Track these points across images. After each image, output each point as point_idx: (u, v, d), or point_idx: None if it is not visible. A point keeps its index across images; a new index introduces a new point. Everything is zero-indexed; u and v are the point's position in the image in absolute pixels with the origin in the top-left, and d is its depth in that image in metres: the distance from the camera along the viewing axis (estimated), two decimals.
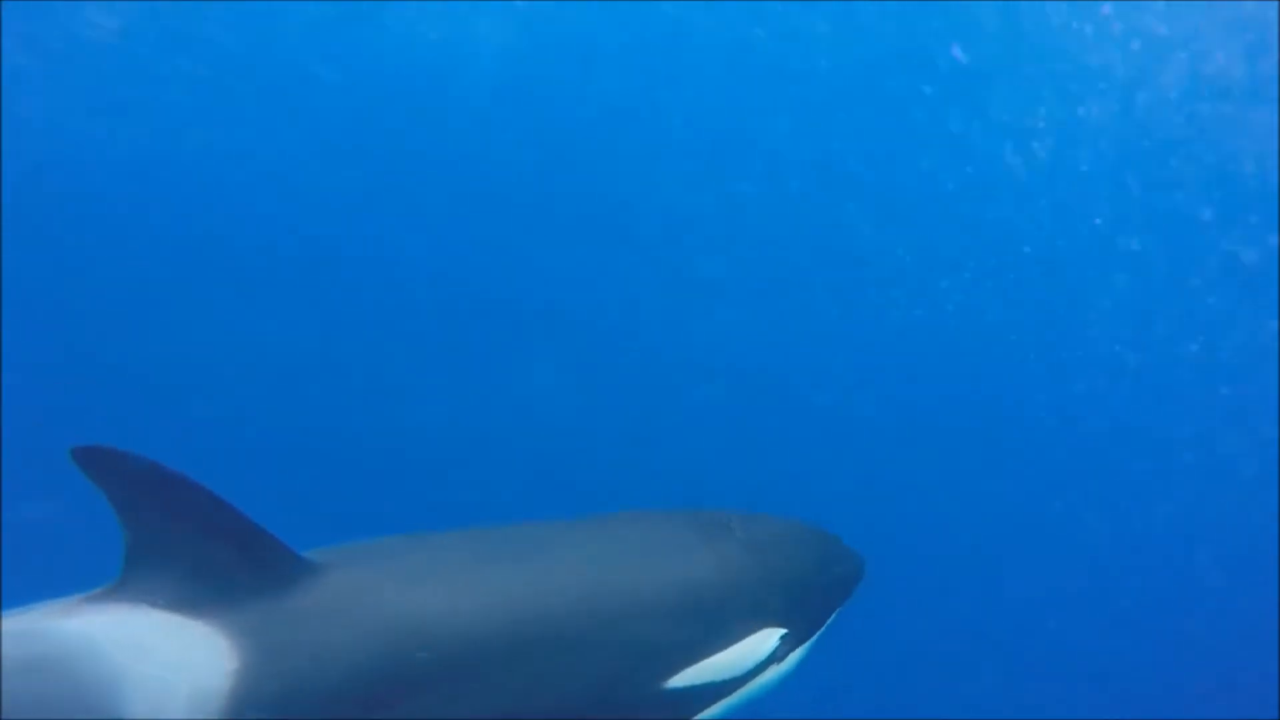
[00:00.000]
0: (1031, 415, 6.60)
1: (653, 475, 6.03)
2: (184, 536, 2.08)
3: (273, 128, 6.78)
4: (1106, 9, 6.52)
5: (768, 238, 7.12)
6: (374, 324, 6.38)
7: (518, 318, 6.55)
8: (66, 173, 6.52)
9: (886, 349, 6.94)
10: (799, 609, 2.35)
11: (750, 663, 2.24)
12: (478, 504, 5.32)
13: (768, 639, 2.25)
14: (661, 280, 6.85)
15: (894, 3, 6.66)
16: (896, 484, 6.32)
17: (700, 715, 2.25)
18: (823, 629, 2.42)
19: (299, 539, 2.16)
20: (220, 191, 6.64)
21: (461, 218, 6.80)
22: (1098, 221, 6.85)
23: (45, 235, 6.29)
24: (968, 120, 6.98)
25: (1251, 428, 6.16)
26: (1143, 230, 6.81)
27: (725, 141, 7.17)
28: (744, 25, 6.92)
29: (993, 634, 5.90)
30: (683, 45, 7.07)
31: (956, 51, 6.79)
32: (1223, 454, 6.29)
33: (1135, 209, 6.85)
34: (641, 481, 6.00)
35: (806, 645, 2.37)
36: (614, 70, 7.15)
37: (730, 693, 2.26)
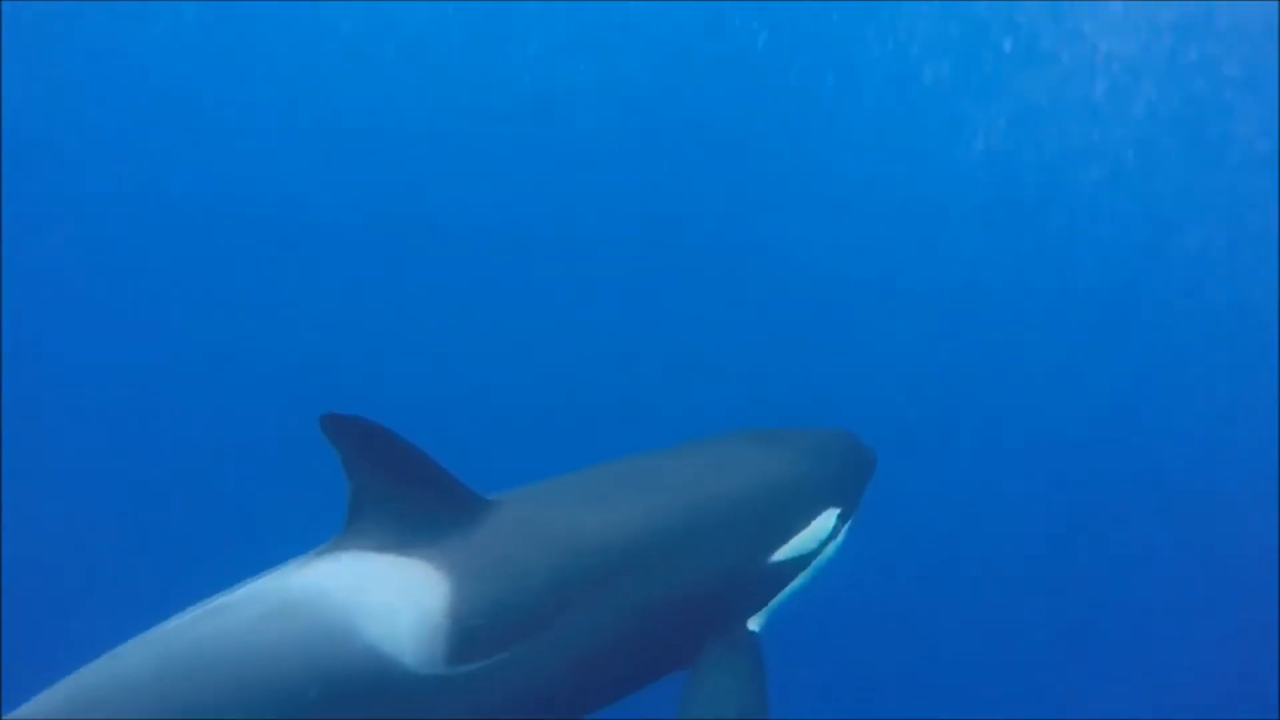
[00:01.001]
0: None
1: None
2: (395, 488, 2.52)
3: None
4: None
5: None
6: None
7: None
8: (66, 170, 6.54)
9: None
10: (844, 493, 3.10)
11: (821, 536, 2.99)
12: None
13: (829, 518, 2.99)
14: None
15: None
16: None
17: (790, 584, 2.96)
18: (858, 508, 3.16)
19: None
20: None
21: None
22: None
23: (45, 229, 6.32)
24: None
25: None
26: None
27: None
28: None
29: (989, 633, 5.90)
30: None
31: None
32: (1223, 445, 6.32)
33: None
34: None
35: (850, 522, 3.10)
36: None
37: (810, 563, 2.99)
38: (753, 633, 2.87)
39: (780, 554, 2.90)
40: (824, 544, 3.02)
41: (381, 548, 2.50)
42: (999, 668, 5.79)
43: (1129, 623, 6.03)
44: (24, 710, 2.41)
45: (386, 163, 6.81)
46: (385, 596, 2.41)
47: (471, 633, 2.42)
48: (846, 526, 3.12)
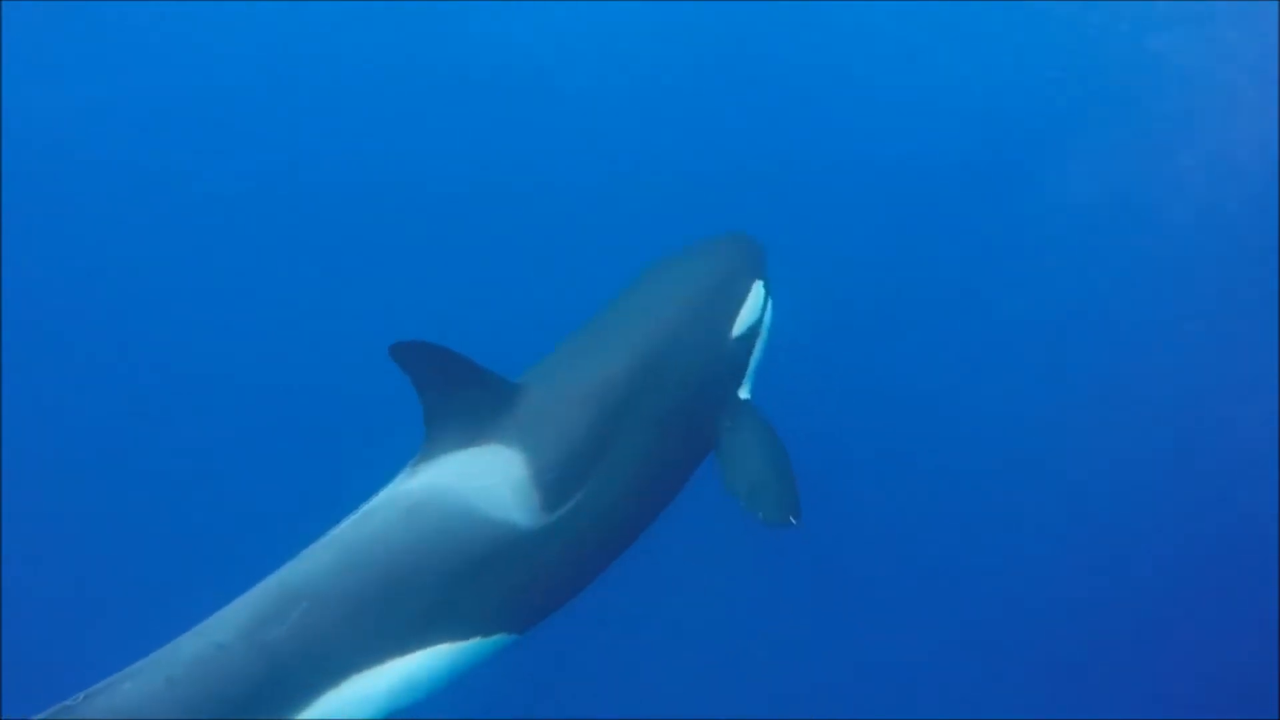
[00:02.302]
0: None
1: None
2: (456, 394, 3.10)
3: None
4: None
5: None
6: None
7: None
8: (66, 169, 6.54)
9: None
10: (758, 269, 3.77)
11: (759, 305, 3.65)
12: None
13: (758, 290, 3.66)
14: None
15: None
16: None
17: (755, 351, 3.64)
18: (771, 279, 3.82)
19: None
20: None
21: None
22: None
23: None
24: None
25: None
26: None
27: None
28: None
29: (989, 633, 5.90)
30: None
31: None
32: (1223, 436, 6.31)
33: None
34: None
35: (770, 290, 3.76)
36: None
37: (761, 328, 3.68)
38: (746, 399, 3.59)
39: (738, 329, 3.57)
40: (764, 310, 3.69)
41: (462, 444, 3.11)
42: (999, 668, 5.79)
43: (1129, 623, 6.03)
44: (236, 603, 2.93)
45: (384, 155, 6.81)
46: (483, 479, 3.02)
47: (552, 485, 3.06)
48: (770, 294, 3.78)
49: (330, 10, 7.28)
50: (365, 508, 3.10)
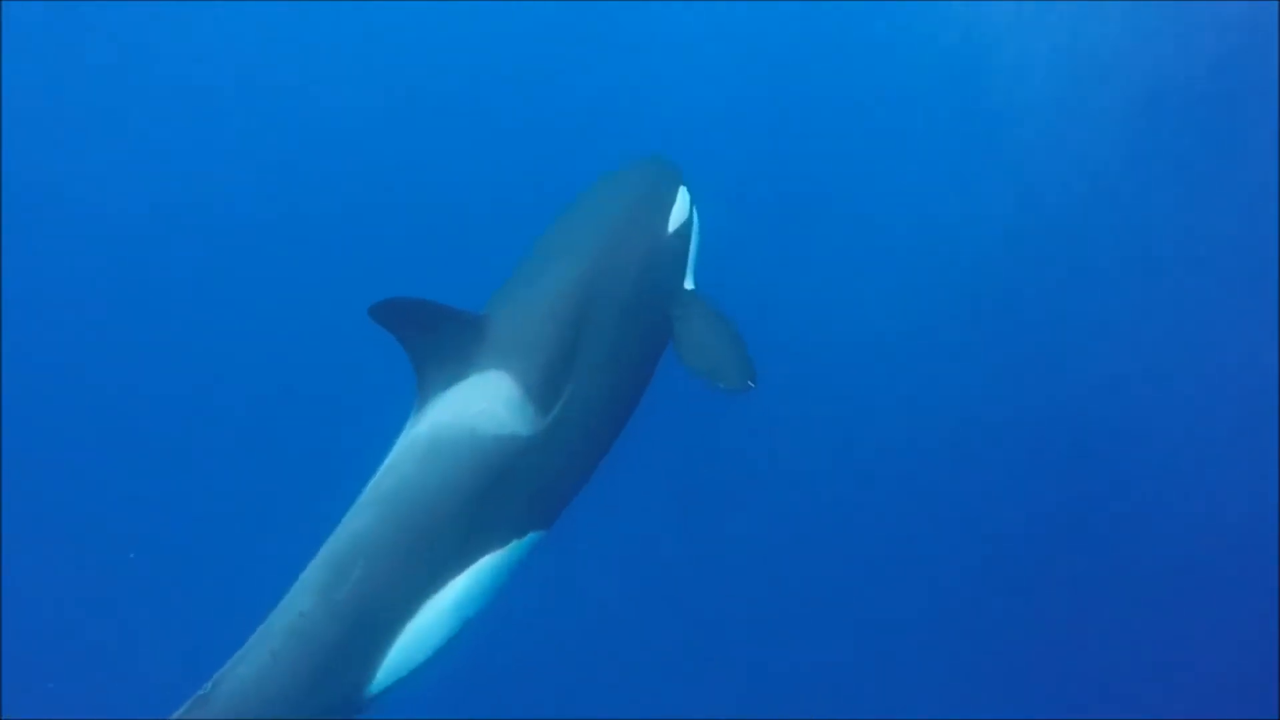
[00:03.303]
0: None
1: None
2: (437, 337, 3.38)
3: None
4: None
5: None
6: None
7: None
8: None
9: None
10: (678, 176, 4.09)
11: (687, 205, 3.97)
12: None
13: (683, 194, 3.98)
14: None
15: None
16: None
17: (691, 245, 3.98)
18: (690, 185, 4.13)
19: None
20: None
21: None
22: None
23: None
24: None
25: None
26: None
27: None
28: None
29: (988, 633, 5.91)
30: None
31: None
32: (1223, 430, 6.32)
33: None
34: None
35: (693, 194, 4.08)
36: None
37: (692, 225, 4.00)
38: (691, 289, 3.95)
39: (672, 226, 3.88)
40: (691, 209, 4.02)
41: (451, 382, 3.41)
42: (999, 667, 5.79)
43: (1129, 622, 6.04)
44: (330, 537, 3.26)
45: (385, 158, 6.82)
46: (478, 406, 3.33)
47: (539, 393, 3.38)
48: (694, 200, 4.13)
49: (330, 10, 7.29)
50: (385, 464, 3.42)
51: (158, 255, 6.42)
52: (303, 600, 3.10)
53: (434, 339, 3.41)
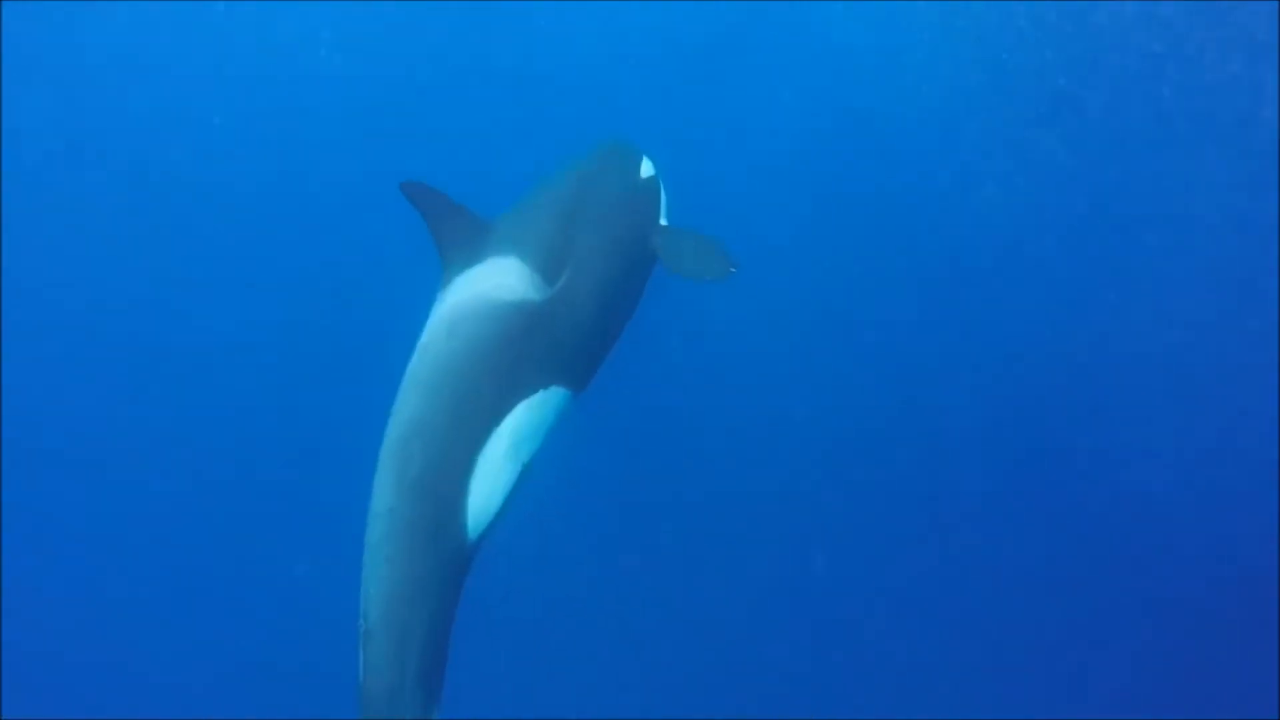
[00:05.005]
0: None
1: None
2: (456, 225, 3.92)
3: None
4: None
5: None
6: None
7: None
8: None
9: None
10: (641, 149, 4.50)
11: (651, 166, 4.41)
12: None
13: (646, 162, 4.42)
14: None
15: None
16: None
17: (661, 195, 4.36)
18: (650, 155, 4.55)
19: None
20: None
21: None
22: None
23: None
24: None
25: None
26: None
27: None
28: None
29: (989, 633, 5.91)
30: None
31: None
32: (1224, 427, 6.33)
33: None
34: None
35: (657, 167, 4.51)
36: None
37: (659, 180, 4.39)
38: (666, 224, 4.37)
39: (643, 173, 4.37)
40: (655, 168, 4.44)
41: (467, 265, 3.86)
42: (999, 667, 5.80)
43: (1129, 622, 6.04)
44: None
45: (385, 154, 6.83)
46: (493, 279, 3.77)
47: (546, 267, 3.84)
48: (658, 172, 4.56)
49: (330, 10, 7.30)
50: (419, 345, 3.78)
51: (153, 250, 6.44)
52: (382, 501, 3.42)
53: (453, 226, 3.92)
